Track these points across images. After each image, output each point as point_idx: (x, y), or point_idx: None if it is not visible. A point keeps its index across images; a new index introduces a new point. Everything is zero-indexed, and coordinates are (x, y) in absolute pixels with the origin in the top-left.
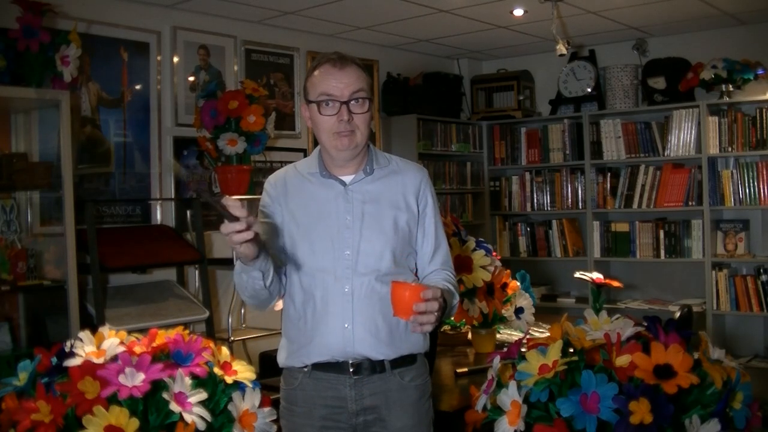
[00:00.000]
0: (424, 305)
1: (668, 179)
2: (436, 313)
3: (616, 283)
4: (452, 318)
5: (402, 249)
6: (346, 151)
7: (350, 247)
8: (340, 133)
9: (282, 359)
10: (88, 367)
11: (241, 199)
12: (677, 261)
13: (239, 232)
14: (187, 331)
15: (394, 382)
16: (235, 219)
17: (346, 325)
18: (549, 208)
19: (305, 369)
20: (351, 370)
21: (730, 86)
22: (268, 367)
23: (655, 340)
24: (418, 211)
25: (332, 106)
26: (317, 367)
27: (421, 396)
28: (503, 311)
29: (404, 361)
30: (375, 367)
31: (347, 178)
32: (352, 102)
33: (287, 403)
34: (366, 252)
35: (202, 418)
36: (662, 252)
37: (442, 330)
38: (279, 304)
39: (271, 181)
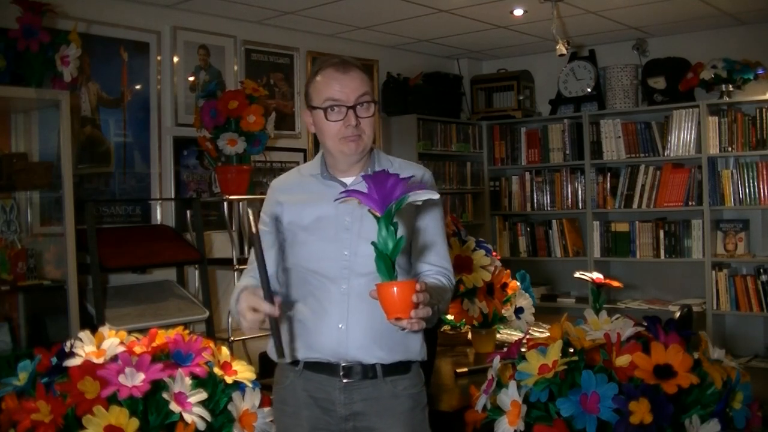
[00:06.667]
0: (422, 296)
1: (668, 179)
2: (428, 307)
3: (616, 283)
4: (452, 318)
5: (402, 251)
6: (352, 155)
7: (348, 247)
8: (347, 138)
9: (273, 351)
10: (88, 367)
11: (240, 200)
12: (677, 261)
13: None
14: (187, 331)
15: (386, 390)
16: (270, 299)
17: (340, 326)
18: (549, 208)
19: (296, 368)
20: (341, 373)
21: (730, 86)
22: (268, 367)
23: (655, 340)
24: (414, 209)
25: (338, 111)
26: (308, 366)
27: (415, 406)
28: (503, 311)
29: (398, 369)
30: (367, 372)
31: (348, 180)
32: (358, 106)
33: (278, 402)
34: (364, 253)
35: (202, 418)
36: (662, 252)
37: (442, 330)
38: None
39: (274, 186)
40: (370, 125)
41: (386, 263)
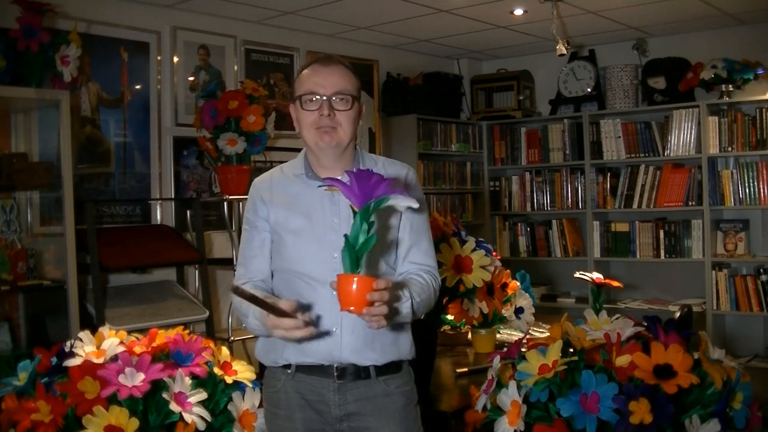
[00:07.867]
0: (377, 295)
1: (668, 179)
2: (388, 306)
3: (616, 283)
4: (452, 318)
5: (390, 251)
6: (328, 149)
7: (338, 249)
8: (320, 129)
9: (262, 353)
10: (88, 367)
11: (240, 200)
12: (677, 261)
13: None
14: (187, 331)
15: (380, 388)
16: (285, 314)
17: (334, 329)
18: (549, 208)
19: (288, 371)
20: (336, 374)
21: (730, 86)
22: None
23: (655, 340)
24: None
25: (314, 101)
26: (301, 369)
27: (408, 403)
28: (503, 311)
29: (390, 369)
30: (360, 373)
31: None
32: (334, 99)
33: (270, 406)
34: None
35: (202, 418)
36: (662, 252)
37: (442, 330)
38: None
39: (257, 184)
40: (348, 120)
41: (351, 256)
